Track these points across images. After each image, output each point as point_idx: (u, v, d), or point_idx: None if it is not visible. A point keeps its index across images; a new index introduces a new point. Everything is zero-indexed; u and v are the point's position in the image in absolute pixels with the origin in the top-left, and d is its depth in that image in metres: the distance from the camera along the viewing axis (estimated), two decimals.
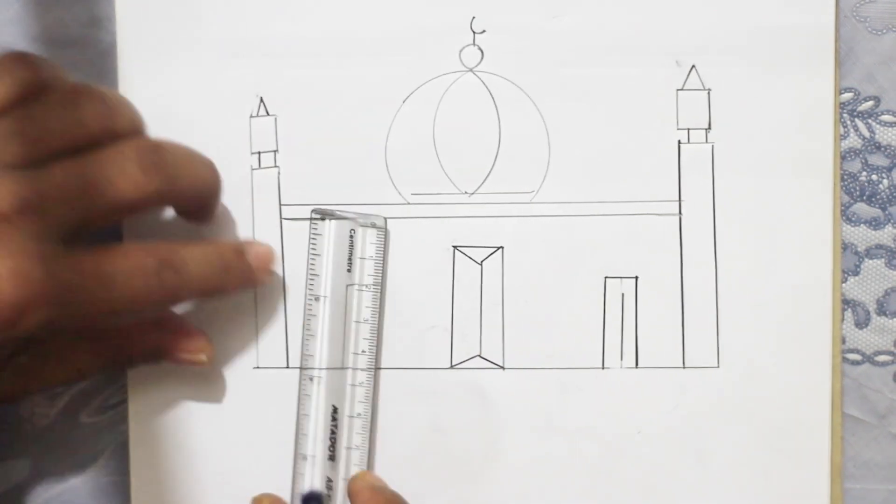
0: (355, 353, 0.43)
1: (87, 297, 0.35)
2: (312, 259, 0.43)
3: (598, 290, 0.43)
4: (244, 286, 0.42)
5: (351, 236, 0.43)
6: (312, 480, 0.43)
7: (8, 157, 0.35)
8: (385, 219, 0.43)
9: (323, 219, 0.43)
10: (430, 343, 0.43)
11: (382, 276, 0.43)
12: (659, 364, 0.43)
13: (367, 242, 0.43)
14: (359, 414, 0.43)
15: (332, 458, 0.43)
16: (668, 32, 0.43)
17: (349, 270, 0.43)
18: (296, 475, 0.43)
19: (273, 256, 0.42)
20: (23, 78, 0.37)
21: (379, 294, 0.43)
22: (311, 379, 0.43)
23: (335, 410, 0.43)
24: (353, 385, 0.43)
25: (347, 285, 0.43)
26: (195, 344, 0.42)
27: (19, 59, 0.37)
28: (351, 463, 0.43)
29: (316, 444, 0.43)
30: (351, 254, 0.43)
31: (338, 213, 0.43)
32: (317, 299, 0.43)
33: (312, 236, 0.43)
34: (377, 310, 0.43)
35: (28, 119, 0.36)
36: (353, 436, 0.43)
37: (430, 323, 0.44)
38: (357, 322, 0.43)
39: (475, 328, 0.43)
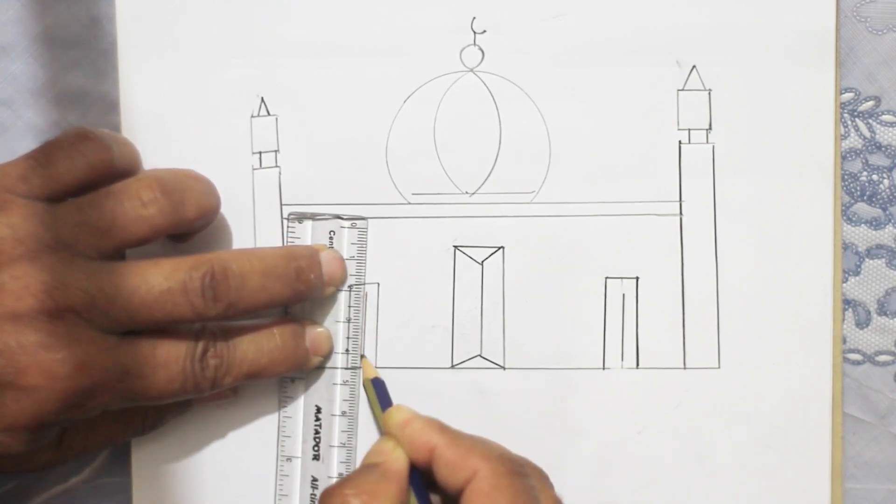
0: (336, 353, 0.43)
1: (142, 383, 0.37)
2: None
3: (599, 291, 0.43)
4: (293, 371, 0.42)
5: (331, 238, 0.43)
6: (297, 480, 0.43)
7: (82, 248, 0.37)
8: (367, 219, 0.43)
9: (301, 221, 0.43)
10: (430, 343, 0.43)
11: (385, 274, 0.43)
12: (660, 364, 0.43)
13: (348, 243, 0.43)
14: (343, 412, 0.43)
15: (317, 457, 0.43)
16: (668, 32, 0.43)
17: None
18: (279, 476, 0.43)
19: (329, 342, 0.43)
20: (90, 161, 0.38)
21: (361, 293, 0.43)
22: (291, 380, 0.43)
23: (318, 410, 0.43)
24: (335, 384, 0.43)
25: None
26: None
27: (84, 137, 0.38)
28: (336, 461, 0.43)
29: (300, 445, 0.43)
30: None
31: (317, 215, 0.43)
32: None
33: (291, 240, 0.43)
34: (360, 309, 0.43)
35: (99, 209, 0.37)
36: (338, 434, 0.43)
37: (431, 323, 0.44)
38: (338, 322, 0.43)
39: (476, 328, 0.43)
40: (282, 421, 0.43)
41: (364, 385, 0.43)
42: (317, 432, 0.43)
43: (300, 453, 0.43)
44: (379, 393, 0.42)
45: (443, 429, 0.39)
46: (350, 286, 0.43)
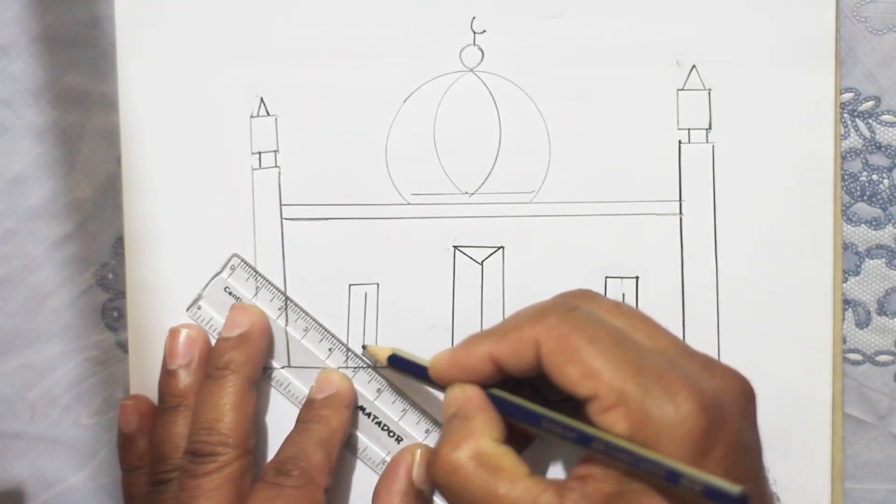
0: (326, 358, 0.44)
1: None
2: (225, 337, 0.43)
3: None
4: None
5: (228, 292, 0.43)
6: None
7: None
8: (236, 254, 0.43)
9: (199, 307, 0.44)
10: (430, 343, 0.43)
11: (385, 274, 0.43)
12: None
13: (244, 280, 0.43)
14: (378, 391, 0.43)
15: (399, 438, 0.43)
16: (668, 32, 0.43)
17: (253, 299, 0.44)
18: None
19: None
20: None
21: (285, 302, 0.44)
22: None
23: (363, 409, 0.43)
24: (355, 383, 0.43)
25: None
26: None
27: None
28: (411, 423, 0.43)
29: (381, 443, 0.43)
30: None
31: (201, 295, 0.44)
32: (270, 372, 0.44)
33: (207, 324, 0.43)
34: (304, 315, 0.44)
35: None
36: (391, 409, 0.43)
37: (431, 323, 0.43)
38: (292, 332, 0.44)
39: (476, 328, 0.43)
40: (355, 447, 0.44)
41: (389, 368, 0.42)
42: (378, 422, 0.43)
43: (386, 451, 0.43)
44: (405, 366, 0.41)
45: (484, 333, 0.38)
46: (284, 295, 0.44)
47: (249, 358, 0.42)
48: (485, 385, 0.38)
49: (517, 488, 0.35)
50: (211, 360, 0.42)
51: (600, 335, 0.35)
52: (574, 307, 0.36)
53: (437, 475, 0.36)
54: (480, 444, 0.36)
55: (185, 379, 0.42)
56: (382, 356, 0.42)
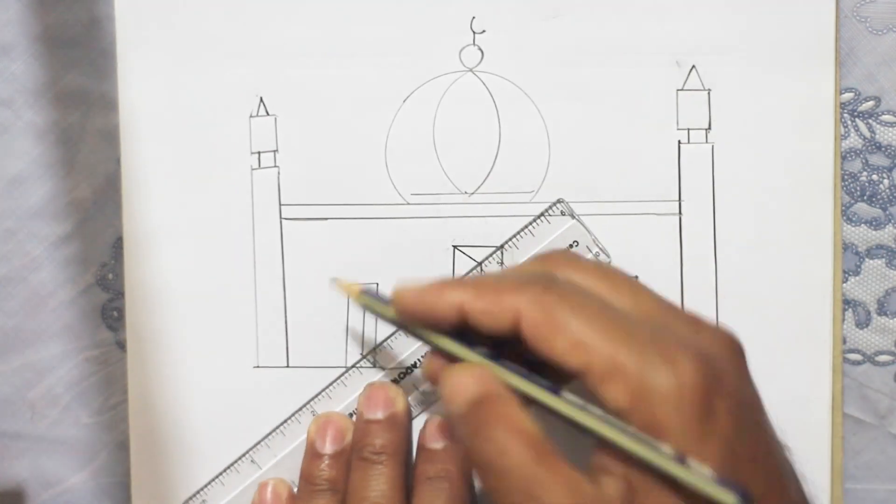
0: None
1: None
2: (522, 236, 0.43)
3: None
4: None
5: (572, 245, 0.43)
6: None
7: None
8: (610, 258, 0.43)
9: (563, 214, 0.43)
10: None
11: (385, 274, 0.43)
12: None
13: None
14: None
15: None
16: (668, 32, 0.43)
17: None
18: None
19: None
20: None
21: None
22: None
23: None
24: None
25: None
26: None
27: None
28: None
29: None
30: None
31: (576, 214, 0.43)
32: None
33: (545, 219, 0.43)
34: None
35: None
36: None
37: None
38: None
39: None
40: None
41: (360, 303, 0.39)
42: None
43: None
44: (374, 303, 0.38)
45: (459, 283, 0.35)
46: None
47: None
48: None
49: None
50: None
51: (586, 304, 0.33)
52: (555, 277, 0.34)
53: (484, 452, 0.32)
54: (525, 424, 0.33)
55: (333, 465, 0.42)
56: (354, 291, 0.39)
